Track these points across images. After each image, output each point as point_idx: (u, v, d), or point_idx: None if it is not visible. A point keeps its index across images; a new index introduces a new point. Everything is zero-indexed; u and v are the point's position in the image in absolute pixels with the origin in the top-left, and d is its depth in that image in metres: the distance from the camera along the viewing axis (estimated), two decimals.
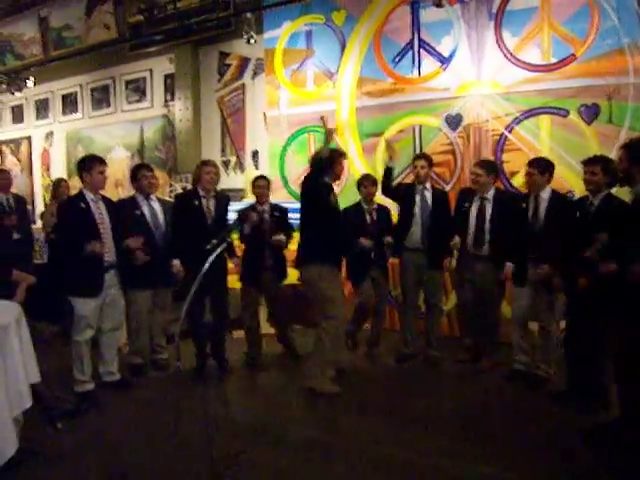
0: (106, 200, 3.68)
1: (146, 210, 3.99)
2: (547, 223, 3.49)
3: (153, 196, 4.09)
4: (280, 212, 4.28)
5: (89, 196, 3.52)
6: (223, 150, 6.40)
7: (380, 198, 4.33)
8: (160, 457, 2.70)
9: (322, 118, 3.93)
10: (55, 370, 3.70)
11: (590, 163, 3.22)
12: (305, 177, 3.66)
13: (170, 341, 4.35)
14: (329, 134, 3.63)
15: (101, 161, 3.60)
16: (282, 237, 4.08)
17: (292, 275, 4.36)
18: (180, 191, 5.92)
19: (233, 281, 4.27)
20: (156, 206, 4.05)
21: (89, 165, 3.53)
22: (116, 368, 3.75)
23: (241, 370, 4.13)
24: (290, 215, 4.36)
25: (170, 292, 4.18)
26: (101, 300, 3.53)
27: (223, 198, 4.07)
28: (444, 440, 2.85)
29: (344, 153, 4.07)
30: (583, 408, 3.14)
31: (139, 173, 4.02)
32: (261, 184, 4.24)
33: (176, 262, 3.77)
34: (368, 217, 4.20)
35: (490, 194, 3.87)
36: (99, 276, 3.49)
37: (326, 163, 3.73)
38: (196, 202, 3.81)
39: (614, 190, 3.23)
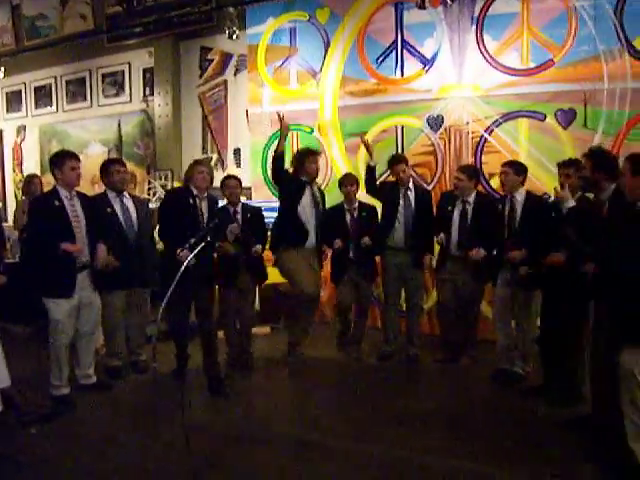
0: (81, 197, 3.55)
1: (118, 208, 3.84)
2: (523, 224, 3.59)
3: (126, 193, 3.95)
4: (252, 213, 4.15)
5: (63, 193, 3.39)
6: (204, 147, 6.33)
7: (365, 197, 4.39)
8: (140, 459, 2.68)
9: (278, 114, 4.08)
10: (30, 373, 3.63)
11: (565, 166, 3.34)
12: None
13: (149, 342, 4.30)
14: (284, 129, 3.98)
15: (73, 156, 3.46)
16: (258, 247, 4.00)
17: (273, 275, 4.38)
18: (159, 189, 5.86)
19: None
20: (129, 204, 3.90)
21: (60, 161, 3.39)
22: (93, 371, 3.69)
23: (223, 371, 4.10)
24: (266, 214, 4.31)
25: (147, 292, 4.10)
26: (75, 302, 3.42)
27: (213, 199, 3.88)
28: (428, 438, 2.91)
29: (315, 152, 4.17)
30: (558, 403, 3.24)
31: (111, 168, 3.86)
32: (232, 184, 4.08)
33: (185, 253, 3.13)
34: (348, 217, 4.22)
35: (472, 198, 3.97)
36: (71, 276, 3.37)
37: (296, 163, 4.06)
38: (191, 200, 3.63)
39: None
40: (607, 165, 2.89)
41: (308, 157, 4.04)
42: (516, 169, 3.67)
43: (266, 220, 4.31)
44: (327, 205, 4.33)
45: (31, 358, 4.00)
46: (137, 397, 3.59)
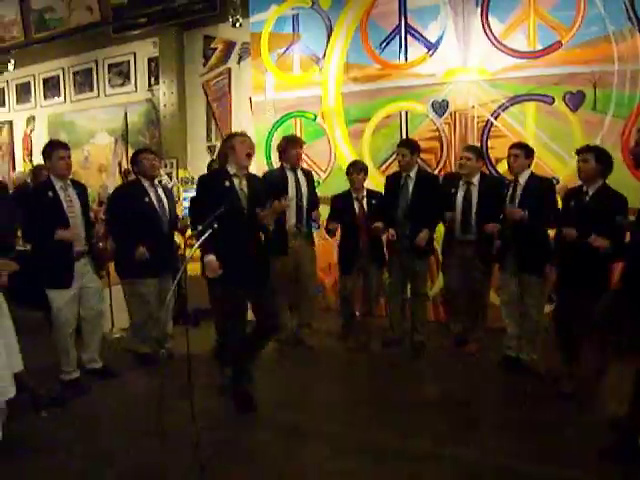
0: (77, 185, 3.56)
1: (153, 196, 3.86)
2: (522, 204, 3.52)
3: (157, 181, 3.98)
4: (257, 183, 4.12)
5: (57, 183, 3.41)
6: (208, 135, 6.33)
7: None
8: (147, 445, 2.69)
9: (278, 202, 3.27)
10: (41, 358, 3.67)
11: (583, 151, 3.24)
12: None
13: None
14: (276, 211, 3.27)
15: (62, 146, 3.47)
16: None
17: None
18: (165, 177, 5.86)
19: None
20: (160, 192, 3.93)
21: (49, 151, 3.42)
22: (98, 355, 3.72)
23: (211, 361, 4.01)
24: None
25: (171, 277, 3.98)
26: (76, 290, 3.45)
27: (253, 177, 3.40)
28: (433, 424, 2.89)
29: (295, 140, 4.19)
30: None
31: (140, 156, 3.87)
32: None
33: (211, 258, 2.99)
34: (356, 205, 4.18)
35: (476, 179, 3.91)
36: (69, 266, 3.40)
37: (280, 150, 4.20)
38: (227, 183, 3.09)
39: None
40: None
41: (289, 144, 4.11)
42: (526, 152, 3.61)
43: None
44: (332, 192, 4.30)
45: (43, 343, 4.07)
46: (144, 382, 3.60)
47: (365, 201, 4.17)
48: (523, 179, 3.59)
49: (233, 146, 3.10)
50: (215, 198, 2.96)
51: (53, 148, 3.43)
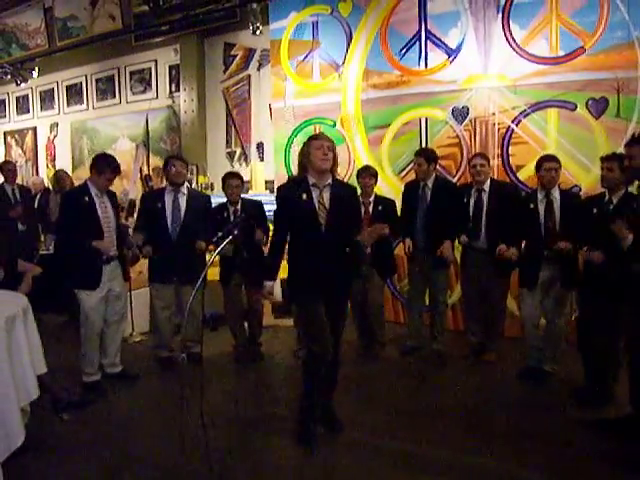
0: (110, 193, 3.66)
1: (168, 202, 3.90)
2: (563, 223, 3.45)
3: (184, 189, 3.96)
4: (253, 208, 4.06)
5: (93, 190, 3.50)
6: (228, 142, 6.39)
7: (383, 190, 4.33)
8: (166, 449, 2.71)
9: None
10: (62, 361, 3.75)
11: (608, 159, 3.17)
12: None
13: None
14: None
15: (114, 169, 3.53)
16: (260, 233, 3.93)
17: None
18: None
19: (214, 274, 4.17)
20: (182, 199, 3.92)
21: (101, 169, 3.49)
22: (119, 360, 3.77)
23: (230, 365, 4.09)
24: (269, 207, 4.19)
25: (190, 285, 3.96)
26: (104, 292, 3.53)
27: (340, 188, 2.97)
28: (449, 434, 2.86)
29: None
30: (588, 403, 3.14)
31: (169, 162, 3.95)
32: (233, 183, 3.99)
33: (270, 284, 2.90)
34: (363, 209, 4.14)
35: (486, 185, 3.90)
36: (98, 268, 3.49)
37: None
38: (304, 195, 2.72)
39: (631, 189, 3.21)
40: None
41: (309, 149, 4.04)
42: (559, 165, 3.52)
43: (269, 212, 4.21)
44: None
45: (65, 346, 4.14)
46: (163, 385, 3.66)
47: (372, 207, 4.09)
48: (557, 193, 3.51)
49: (308, 152, 2.72)
50: (291, 213, 2.72)
51: (105, 168, 3.48)
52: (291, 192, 2.76)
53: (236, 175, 4.14)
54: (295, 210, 2.71)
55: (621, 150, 4.04)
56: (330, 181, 2.74)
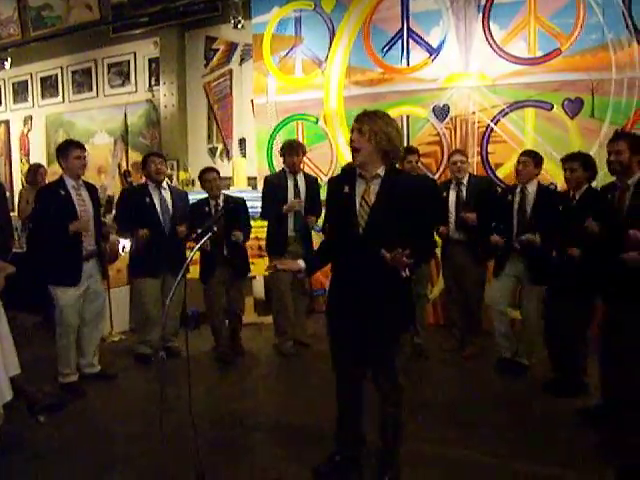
0: (89, 187, 3.60)
1: (156, 198, 3.97)
2: (534, 216, 3.55)
3: (165, 184, 4.06)
4: (235, 204, 4.09)
5: (69, 182, 3.43)
6: (209, 137, 6.34)
7: None
8: (148, 447, 2.68)
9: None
10: (37, 362, 3.68)
11: (569, 160, 3.29)
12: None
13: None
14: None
15: (78, 145, 3.51)
16: (239, 234, 3.95)
17: (262, 266, 4.41)
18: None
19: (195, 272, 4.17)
20: (167, 195, 4.03)
21: (65, 150, 3.44)
22: (97, 360, 3.71)
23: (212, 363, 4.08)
24: (252, 204, 4.31)
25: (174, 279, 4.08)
26: (82, 290, 3.46)
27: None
28: (431, 427, 2.91)
29: (294, 148, 4.15)
30: (564, 393, 3.25)
31: (148, 159, 4.00)
32: (210, 177, 4.02)
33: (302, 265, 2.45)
34: None
35: (465, 179, 4.00)
36: (78, 264, 3.42)
37: (281, 155, 4.22)
38: (346, 188, 2.35)
39: (594, 184, 3.34)
40: None
41: (287, 152, 4.14)
42: (536, 160, 3.62)
43: (252, 210, 4.32)
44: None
45: (40, 347, 4.06)
46: (143, 385, 3.63)
47: None
48: (532, 188, 3.60)
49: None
50: (333, 206, 2.39)
51: (69, 147, 3.46)
52: (339, 183, 2.34)
53: (210, 169, 4.18)
54: (335, 206, 2.37)
55: (595, 149, 4.21)
56: (381, 172, 2.24)
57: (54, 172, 5.77)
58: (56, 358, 3.51)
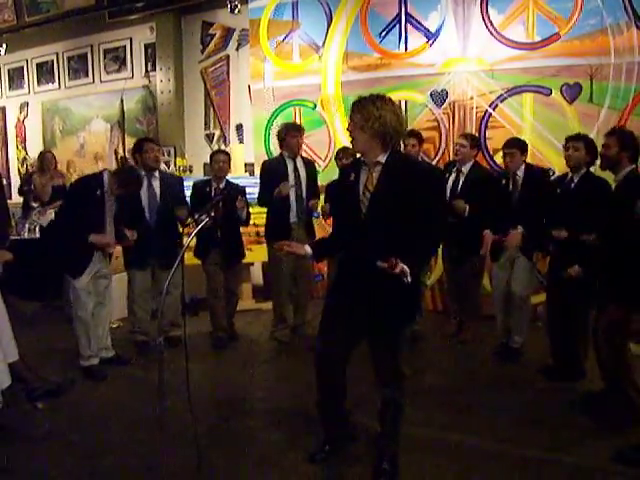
0: None
1: (143, 186, 3.85)
2: (522, 200, 3.58)
3: (157, 172, 3.96)
4: (236, 190, 4.09)
5: (106, 185, 3.43)
6: (206, 123, 6.31)
7: None
8: (145, 435, 2.67)
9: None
10: (39, 348, 3.70)
11: (574, 139, 3.30)
12: None
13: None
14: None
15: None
16: (242, 202, 3.95)
17: (260, 252, 4.40)
18: (163, 165, 5.85)
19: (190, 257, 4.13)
20: (156, 183, 3.92)
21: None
22: (110, 343, 3.73)
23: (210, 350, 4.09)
24: (249, 190, 4.29)
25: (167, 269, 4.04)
26: (93, 272, 3.49)
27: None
28: (429, 412, 2.92)
29: (296, 127, 4.16)
30: (564, 379, 3.27)
31: (145, 145, 3.89)
32: (221, 159, 4.05)
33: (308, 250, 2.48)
34: None
35: (466, 167, 3.97)
36: (89, 259, 3.46)
37: (279, 138, 4.11)
38: (352, 176, 2.33)
39: (592, 169, 3.34)
40: (633, 146, 2.89)
41: (289, 132, 4.06)
42: (522, 149, 3.64)
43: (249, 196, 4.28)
44: (327, 179, 4.33)
45: (40, 333, 4.06)
46: (140, 371, 3.63)
47: None
48: (521, 173, 3.63)
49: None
50: (339, 194, 2.40)
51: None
52: (345, 174, 2.34)
53: (222, 152, 4.22)
54: (341, 194, 2.36)
55: (594, 134, 4.20)
56: (382, 158, 2.18)
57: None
58: (76, 343, 3.51)
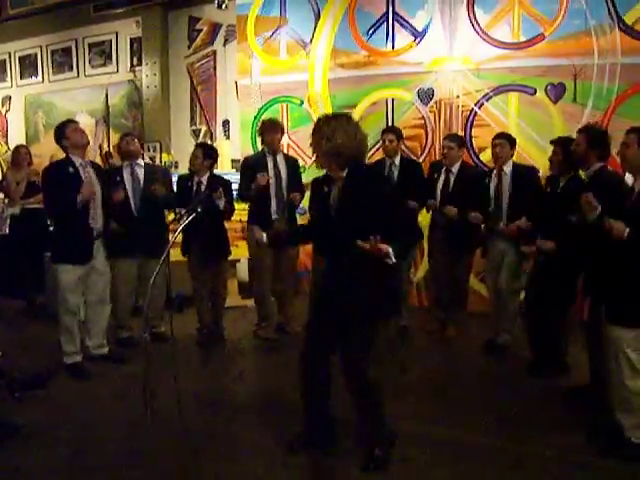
0: (94, 165, 3.59)
1: (127, 177, 3.90)
2: (512, 197, 3.62)
3: (140, 161, 4.02)
4: (221, 185, 3.99)
5: (77, 161, 3.38)
6: (193, 119, 6.27)
7: None
8: (133, 430, 2.64)
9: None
10: (20, 343, 3.64)
11: (554, 143, 3.31)
12: None
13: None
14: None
15: (71, 121, 3.53)
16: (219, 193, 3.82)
17: (246, 249, 4.39)
18: (148, 160, 5.80)
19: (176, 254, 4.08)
20: (140, 172, 3.95)
21: (63, 128, 3.39)
22: (105, 341, 3.67)
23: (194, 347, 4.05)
24: (235, 186, 4.22)
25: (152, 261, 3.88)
26: (87, 269, 3.43)
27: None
28: (416, 406, 2.93)
29: (274, 123, 4.14)
30: (546, 374, 3.28)
31: (123, 139, 4.02)
32: (195, 153, 3.99)
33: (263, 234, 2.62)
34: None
35: (455, 168, 3.98)
36: (89, 243, 3.39)
37: (259, 134, 4.13)
38: (325, 188, 2.41)
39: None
40: (601, 143, 2.92)
41: (267, 129, 4.06)
42: (511, 142, 3.70)
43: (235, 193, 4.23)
44: (313, 176, 4.29)
45: (21, 329, 4.00)
46: (131, 366, 3.55)
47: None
48: (508, 169, 3.67)
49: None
50: (314, 203, 2.47)
51: (64, 125, 3.43)
52: (319, 184, 2.40)
53: (199, 145, 4.19)
54: (315, 203, 2.44)
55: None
56: (343, 174, 2.26)
57: (33, 154, 5.64)
58: (59, 338, 3.45)
